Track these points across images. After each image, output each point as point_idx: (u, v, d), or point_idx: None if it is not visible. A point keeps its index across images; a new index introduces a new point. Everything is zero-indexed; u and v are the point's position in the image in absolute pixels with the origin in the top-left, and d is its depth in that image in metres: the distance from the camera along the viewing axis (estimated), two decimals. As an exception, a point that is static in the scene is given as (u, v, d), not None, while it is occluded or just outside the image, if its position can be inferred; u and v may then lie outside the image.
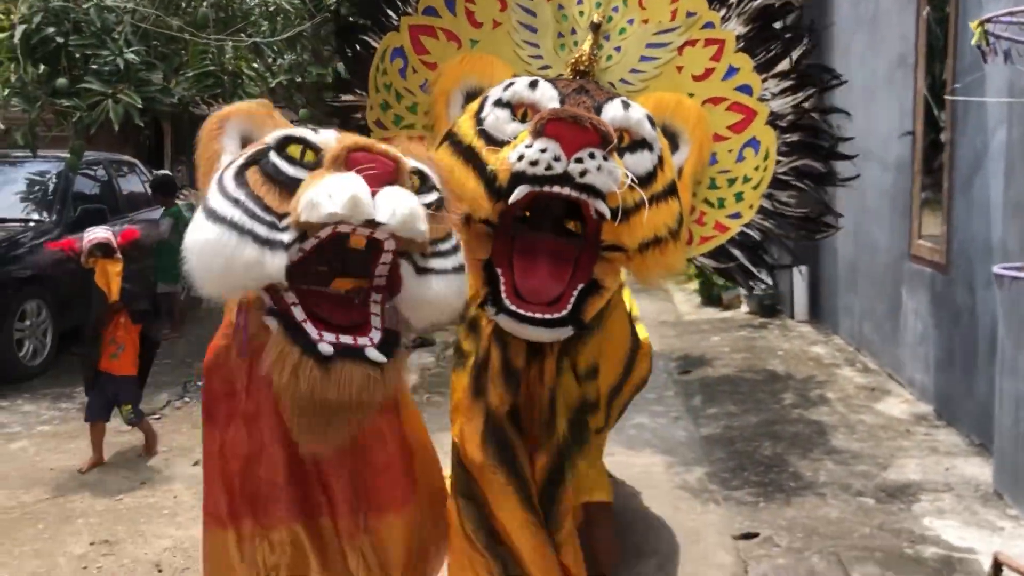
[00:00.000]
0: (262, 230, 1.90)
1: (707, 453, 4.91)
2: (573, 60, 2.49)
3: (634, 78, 2.61)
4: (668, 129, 2.55)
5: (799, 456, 4.80)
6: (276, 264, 1.90)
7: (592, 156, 2.15)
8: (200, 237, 1.91)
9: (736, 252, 2.74)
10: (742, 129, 2.62)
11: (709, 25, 2.57)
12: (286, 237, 1.91)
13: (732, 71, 2.59)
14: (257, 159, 1.99)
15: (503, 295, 2.33)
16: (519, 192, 2.21)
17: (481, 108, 2.37)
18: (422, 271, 2.07)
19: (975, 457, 4.69)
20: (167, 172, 9.52)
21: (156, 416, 5.78)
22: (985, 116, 4.79)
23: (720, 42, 2.58)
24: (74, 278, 7.29)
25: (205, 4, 6.76)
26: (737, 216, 2.68)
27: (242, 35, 6.84)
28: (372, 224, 1.90)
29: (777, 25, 2.71)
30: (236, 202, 1.92)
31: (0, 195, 7.70)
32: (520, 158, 2.18)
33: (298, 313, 1.96)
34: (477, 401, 2.54)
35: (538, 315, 2.32)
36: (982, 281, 4.78)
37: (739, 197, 2.64)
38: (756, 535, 3.87)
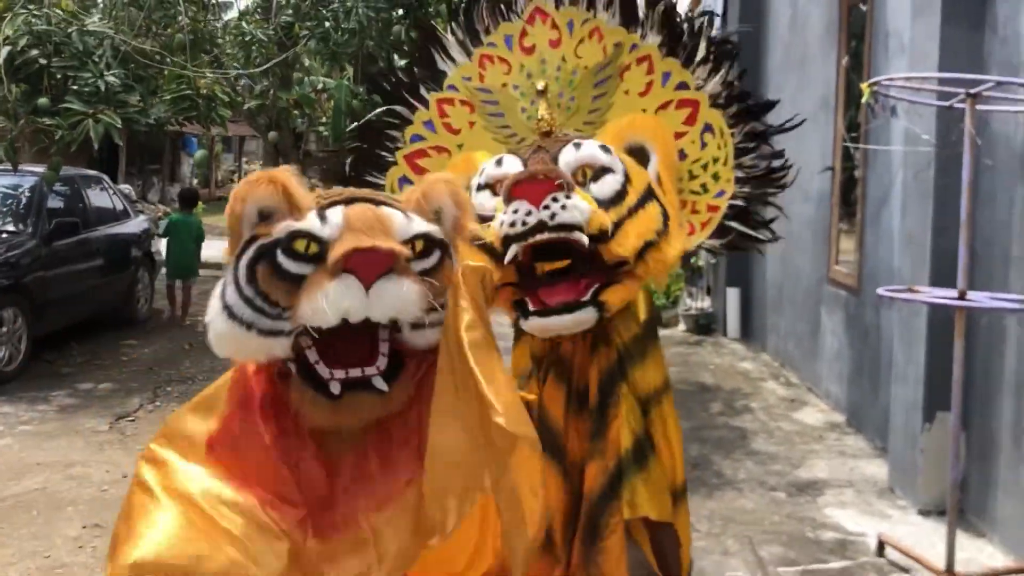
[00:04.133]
0: (266, 323, 2.18)
1: (642, 454, 5.44)
2: (535, 126, 2.87)
3: (594, 117, 3.03)
4: (633, 147, 2.84)
5: (722, 456, 5.36)
6: (280, 348, 2.20)
7: (555, 199, 2.51)
8: (217, 328, 2.23)
9: (733, 224, 3.04)
10: (694, 120, 2.97)
11: (634, 47, 2.97)
12: (288, 326, 2.16)
13: (667, 76, 2.97)
14: (266, 253, 2.20)
15: (530, 308, 2.63)
16: (511, 251, 2.55)
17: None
18: (417, 327, 2.24)
19: (877, 459, 5.29)
20: (192, 187, 12.27)
21: (131, 418, 6.16)
22: (890, 158, 5.42)
23: (647, 56, 2.97)
24: (47, 287, 7.67)
25: (179, 27, 7.16)
26: (721, 193, 3.00)
27: (217, 65, 7.25)
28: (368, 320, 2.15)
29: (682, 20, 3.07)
30: (247, 300, 2.20)
31: (-26, 208, 7.97)
32: (501, 224, 2.55)
33: (311, 355, 2.21)
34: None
35: (559, 302, 2.58)
36: (886, 302, 5.39)
37: (716, 177, 2.98)
38: (681, 522, 4.39)
